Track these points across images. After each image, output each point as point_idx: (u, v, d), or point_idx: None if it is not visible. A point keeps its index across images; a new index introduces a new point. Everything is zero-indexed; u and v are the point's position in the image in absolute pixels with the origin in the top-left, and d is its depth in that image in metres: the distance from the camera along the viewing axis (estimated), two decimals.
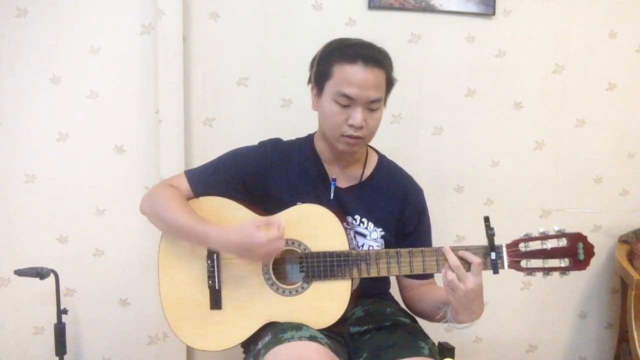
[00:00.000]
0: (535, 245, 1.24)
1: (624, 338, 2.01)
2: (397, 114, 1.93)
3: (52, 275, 1.64)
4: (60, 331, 1.67)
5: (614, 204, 2.07)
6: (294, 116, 1.87)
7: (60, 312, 1.68)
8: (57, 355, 1.67)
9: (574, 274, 2.06)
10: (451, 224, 1.98)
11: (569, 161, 2.03)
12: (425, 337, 1.34)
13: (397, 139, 1.94)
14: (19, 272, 1.63)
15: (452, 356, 1.45)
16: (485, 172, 2.00)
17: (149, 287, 1.85)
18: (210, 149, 1.79)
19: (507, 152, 2.00)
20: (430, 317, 1.38)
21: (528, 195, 2.03)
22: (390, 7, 1.86)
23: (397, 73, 1.88)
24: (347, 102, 1.29)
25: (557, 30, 1.96)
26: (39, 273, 1.61)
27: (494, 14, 1.90)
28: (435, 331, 1.72)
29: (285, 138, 1.51)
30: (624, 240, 2.04)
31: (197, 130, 1.86)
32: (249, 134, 1.74)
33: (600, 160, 2.05)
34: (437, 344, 1.46)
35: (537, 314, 2.11)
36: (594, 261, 2.06)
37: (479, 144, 1.99)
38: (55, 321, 1.68)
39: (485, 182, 2.00)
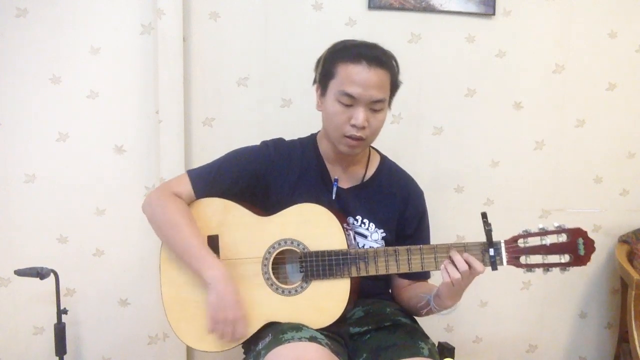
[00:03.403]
0: (534, 241, 1.23)
1: (624, 338, 2.01)
2: (397, 114, 1.93)
3: (52, 275, 1.64)
4: (60, 331, 1.67)
5: (614, 204, 2.07)
6: (294, 116, 1.87)
7: (60, 312, 1.68)
8: (57, 355, 1.67)
9: (574, 273, 2.07)
10: (451, 224, 1.98)
11: (569, 161, 2.03)
12: (425, 337, 1.34)
13: (397, 139, 1.94)
14: (19, 272, 1.63)
15: (452, 356, 1.45)
16: (485, 172, 2.00)
17: (149, 287, 1.85)
18: (210, 149, 1.80)
19: (507, 152, 2.00)
20: (414, 308, 1.40)
21: (528, 195, 2.03)
22: (390, 7, 1.86)
23: None
24: (350, 101, 1.29)
25: (557, 30, 1.96)
26: (39, 273, 1.61)
27: (494, 14, 1.90)
28: (435, 331, 1.73)
29: (285, 138, 1.50)
30: (624, 240, 2.04)
31: (197, 130, 1.86)
32: (249, 134, 1.74)
33: (600, 160, 2.05)
34: (437, 344, 1.46)
35: (537, 314, 2.11)
36: (594, 261, 2.07)
37: (479, 144, 1.99)
38: (55, 321, 1.68)
39: (485, 182, 2.00)
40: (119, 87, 1.80)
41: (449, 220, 1.95)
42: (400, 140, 1.94)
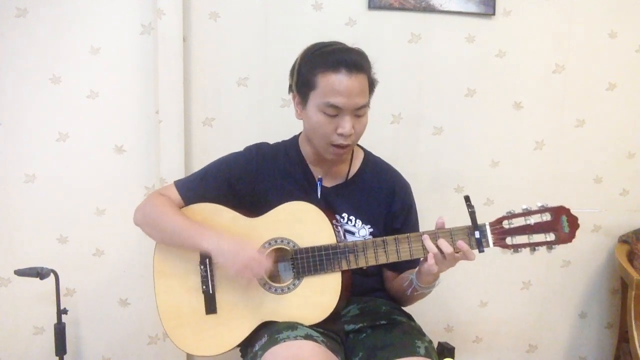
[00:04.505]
0: (518, 222, 1.24)
1: (624, 338, 2.01)
2: (397, 114, 1.93)
3: (52, 275, 1.64)
4: (60, 331, 1.67)
5: (614, 204, 2.07)
6: (293, 116, 1.85)
7: (60, 312, 1.68)
8: (57, 355, 1.67)
9: (574, 273, 2.09)
10: (451, 224, 1.97)
11: (569, 161, 2.03)
12: (421, 335, 1.34)
13: (397, 139, 1.94)
14: (19, 272, 1.63)
15: (452, 356, 1.45)
16: (485, 172, 2.00)
17: (149, 287, 1.83)
18: (210, 149, 1.80)
19: (507, 152, 2.00)
20: (402, 293, 1.40)
21: (528, 195, 2.02)
22: (390, 7, 1.86)
23: (397, 73, 1.89)
24: (335, 112, 1.29)
25: (557, 30, 1.96)
26: (39, 273, 1.61)
27: (494, 14, 1.90)
28: (435, 331, 1.73)
29: (285, 138, 1.51)
30: (624, 240, 2.04)
31: (197, 130, 1.86)
32: (248, 134, 1.74)
33: (600, 160, 2.05)
34: (437, 344, 1.46)
35: (537, 314, 2.11)
36: (594, 261, 2.10)
37: (479, 144, 1.99)
38: (55, 321, 1.68)
39: (485, 182, 2.00)
40: (119, 87, 1.80)
41: (448, 220, 1.94)
42: (400, 140, 1.94)
